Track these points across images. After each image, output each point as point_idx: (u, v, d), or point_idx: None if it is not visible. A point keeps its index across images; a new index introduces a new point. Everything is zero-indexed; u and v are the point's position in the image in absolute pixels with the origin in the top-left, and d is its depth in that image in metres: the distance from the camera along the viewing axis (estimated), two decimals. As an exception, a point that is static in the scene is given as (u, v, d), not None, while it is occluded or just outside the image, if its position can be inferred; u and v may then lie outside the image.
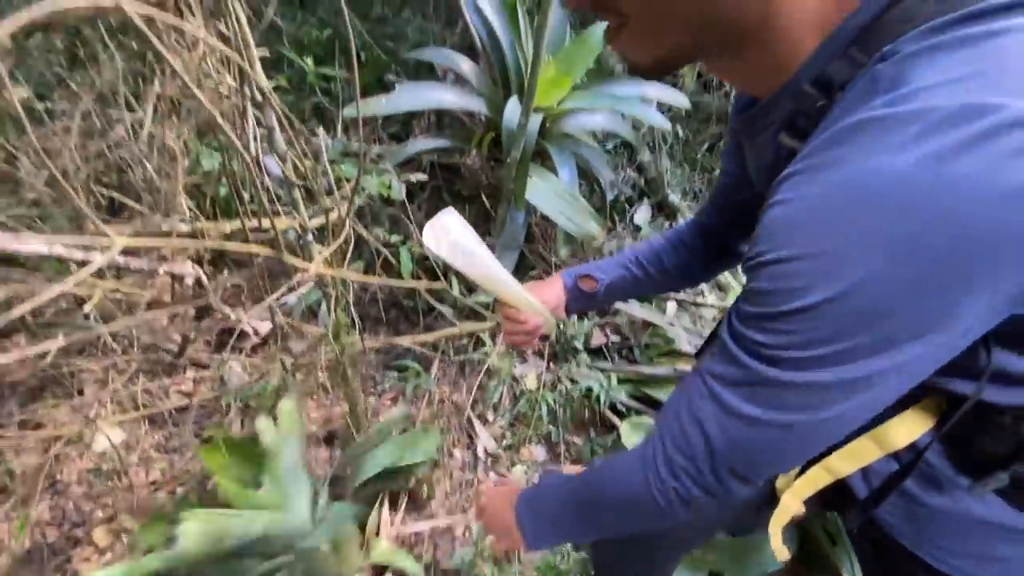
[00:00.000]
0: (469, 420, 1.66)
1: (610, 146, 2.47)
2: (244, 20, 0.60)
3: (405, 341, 1.22)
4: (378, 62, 2.19)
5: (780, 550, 0.68)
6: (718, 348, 0.45)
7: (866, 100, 0.34)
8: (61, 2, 0.40)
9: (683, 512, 0.49)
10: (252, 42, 0.61)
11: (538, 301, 0.75)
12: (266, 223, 0.76)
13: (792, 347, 0.38)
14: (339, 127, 1.85)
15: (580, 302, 0.84)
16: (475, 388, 1.69)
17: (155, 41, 0.46)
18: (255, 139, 0.70)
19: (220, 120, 0.55)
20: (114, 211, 0.85)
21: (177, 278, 0.74)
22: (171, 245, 0.55)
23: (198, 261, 0.93)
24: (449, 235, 0.63)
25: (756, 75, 0.44)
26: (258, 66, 0.63)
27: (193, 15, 0.57)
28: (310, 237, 0.82)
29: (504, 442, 1.65)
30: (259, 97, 0.66)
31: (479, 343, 1.72)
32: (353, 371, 1.00)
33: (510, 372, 1.69)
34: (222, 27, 0.63)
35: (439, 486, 1.46)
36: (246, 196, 0.76)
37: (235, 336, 1.60)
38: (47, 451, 1.02)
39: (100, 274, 0.58)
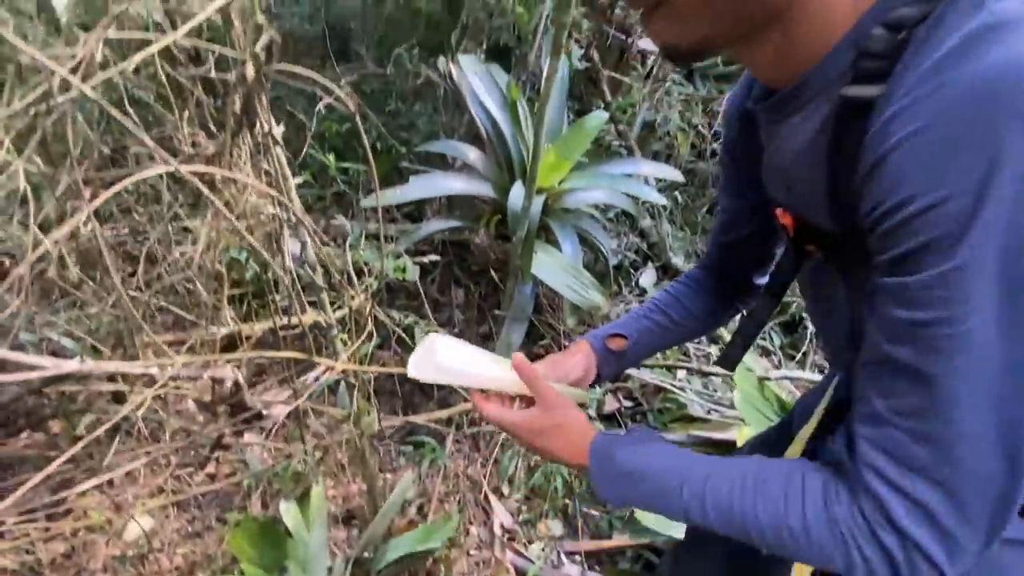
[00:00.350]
0: (485, 495, 1.67)
1: (612, 215, 2.59)
2: (284, 160, 0.72)
3: (420, 419, 1.27)
4: (393, 152, 2.39)
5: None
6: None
7: (959, 23, 0.33)
8: (145, 173, 0.50)
9: None
10: (290, 176, 0.72)
11: (558, 385, 0.67)
12: (295, 319, 0.85)
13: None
14: (360, 211, 2.00)
15: (611, 365, 0.76)
16: (490, 461, 1.70)
17: (205, 191, 0.56)
18: (287, 249, 0.80)
19: (257, 246, 0.64)
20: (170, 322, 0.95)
21: (218, 380, 0.82)
22: (218, 358, 0.63)
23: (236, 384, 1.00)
24: (434, 357, 0.62)
25: (788, 56, 0.44)
26: (294, 194, 0.74)
27: (242, 160, 0.68)
28: (335, 331, 0.90)
29: (520, 516, 1.65)
30: (294, 217, 0.76)
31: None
32: (371, 452, 1.05)
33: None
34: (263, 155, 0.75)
35: (456, 565, 1.45)
36: (278, 297, 0.86)
37: (256, 415, 1.66)
38: (75, 536, 1.06)
39: (151, 380, 0.66)
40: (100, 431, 0.72)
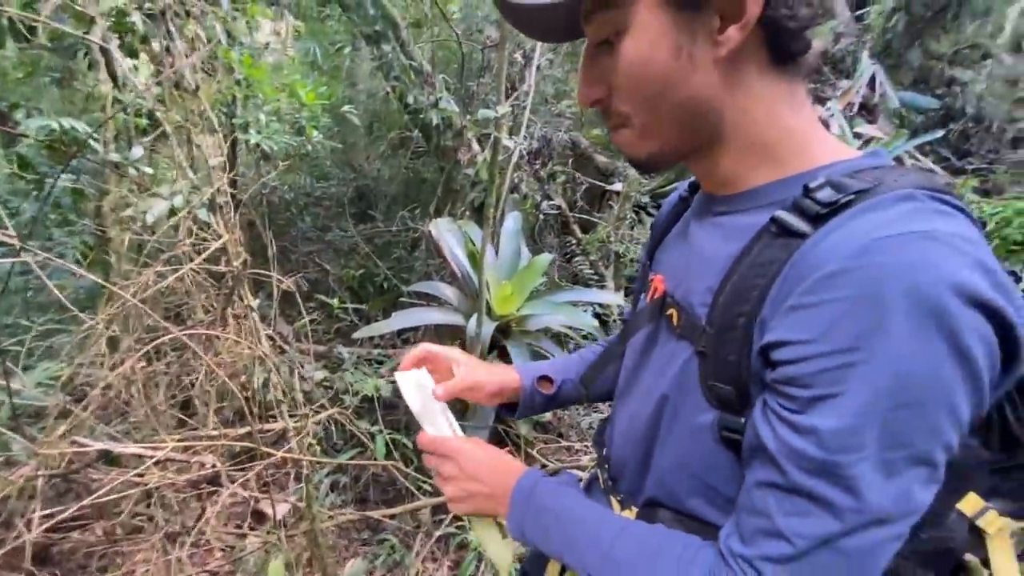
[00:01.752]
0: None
1: (585, 333, 2.94)
2: (258, 320, 1.16)
3: (376, 514, 1.55)
4: (396, 290, 2.92)
5: None
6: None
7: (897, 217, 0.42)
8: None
9: None
10: (262, 330, 1.16)
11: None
12: (271, 424, 1.23)
13: None
14: (356, 342, 2.46)
15: (528, 404, 0.80)
16: (455, 563, 1.89)
17: (206, 359, 0.99)
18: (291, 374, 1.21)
19: (234, 387, 1.05)
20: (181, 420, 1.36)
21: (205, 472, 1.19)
22: (203, 445, 1.01)
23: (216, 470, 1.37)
24: (419, 380, 0.71)
25: (732, 176, 0.54)
26: (264, 341, 1.17)
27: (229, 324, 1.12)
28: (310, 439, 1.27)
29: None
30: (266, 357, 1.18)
31: (457, 518, 1.98)
32: (322, 537, 1.34)
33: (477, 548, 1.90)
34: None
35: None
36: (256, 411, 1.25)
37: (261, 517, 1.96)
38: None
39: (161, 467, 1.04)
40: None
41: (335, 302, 2.36)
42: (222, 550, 1.82)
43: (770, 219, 0.48)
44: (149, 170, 1.86)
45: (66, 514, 0.81)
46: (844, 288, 0.40)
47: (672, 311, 0.58)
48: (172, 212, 1.28)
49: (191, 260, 1.05)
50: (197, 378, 1.14)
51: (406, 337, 2.84)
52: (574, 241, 3.32)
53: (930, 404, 0.40)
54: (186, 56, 1.35)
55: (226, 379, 0.98)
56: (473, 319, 2.10)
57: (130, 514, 1.71)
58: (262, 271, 1.09)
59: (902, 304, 0.38)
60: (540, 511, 0.60)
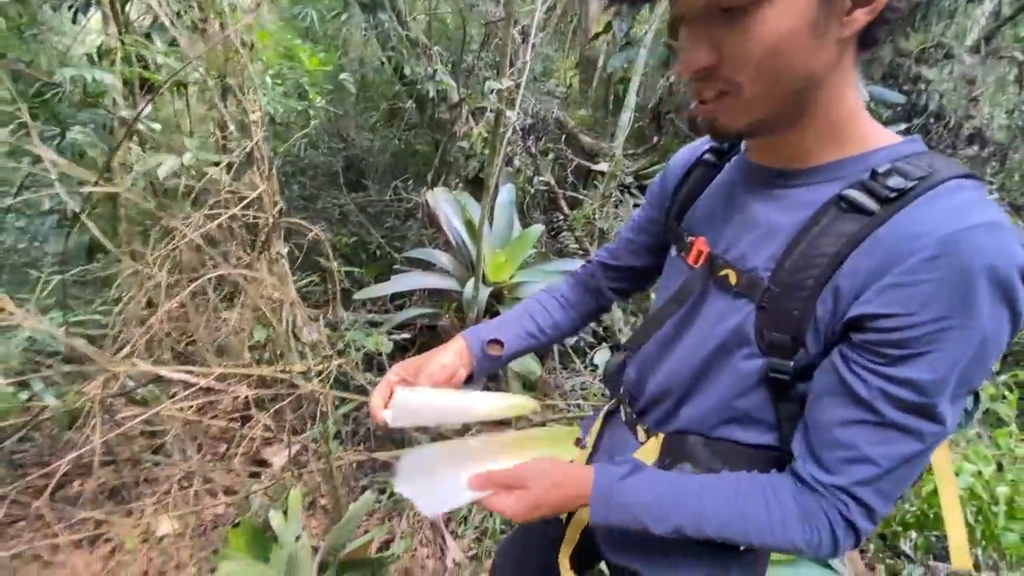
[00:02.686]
0: (442, 535, 1.99)
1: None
2: (287, 266, 1.26)
3: (382, 455, 1.68)
4: (390, 257, 3.02)
5: (568, 574, 0.86)
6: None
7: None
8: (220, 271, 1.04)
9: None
10: (290, 275, 1.26)
11: (512, 400, 0.75)
12: (291, 367, 1.34)
13: None
14: (356, 304, 2.56)
15: (484, 369, 0.83)
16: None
17: (244, 284, 1.09)
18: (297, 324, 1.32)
19: (276, 325, 1.16)
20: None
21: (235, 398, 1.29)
22: (241, 372, 1.11)
23: (248, 403, 1.47)
24: (407, 405, 0.68)
25: (806, 149, 0.58)
26: (292, 286, 1.27)
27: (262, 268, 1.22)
28: (315, 381, 1.38)
29: (470, 552, 1.95)
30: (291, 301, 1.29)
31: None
32: (337, 472, 1.47)
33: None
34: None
35: (411, 587, 1.76)
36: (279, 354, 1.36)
37: (263, 464, 2.07)
38: (130, 529, 1.47)
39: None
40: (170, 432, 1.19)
41: (335, 265, 2.44)
42: (227, 493, 1.93)
43: (838, 196, 0.55)
44: (156, 126, 1.91)
45: (125, 427, 0.91)
46: (939, 270, 0.48)
47: (727, 272, 0.63)
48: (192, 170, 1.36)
49: (227, 209, 1.14)
50: (229, 320, 1.24)
51: (400, 303, 2.95)
52: (561, 217, 3.46)
53: (991, 356, 0.51)
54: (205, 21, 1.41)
55: (266, 311, 1.09)
56: (469, 284, 2.22)
57: (144, 451, 1.81)
58: (293, 219, 1.19)
59: (985, 283, 0.47)
60: (622, 507, 0.63)
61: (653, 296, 0.93)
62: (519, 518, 0.64)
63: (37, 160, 1.54)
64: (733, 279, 0.63)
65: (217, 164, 1.80)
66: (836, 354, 0.56)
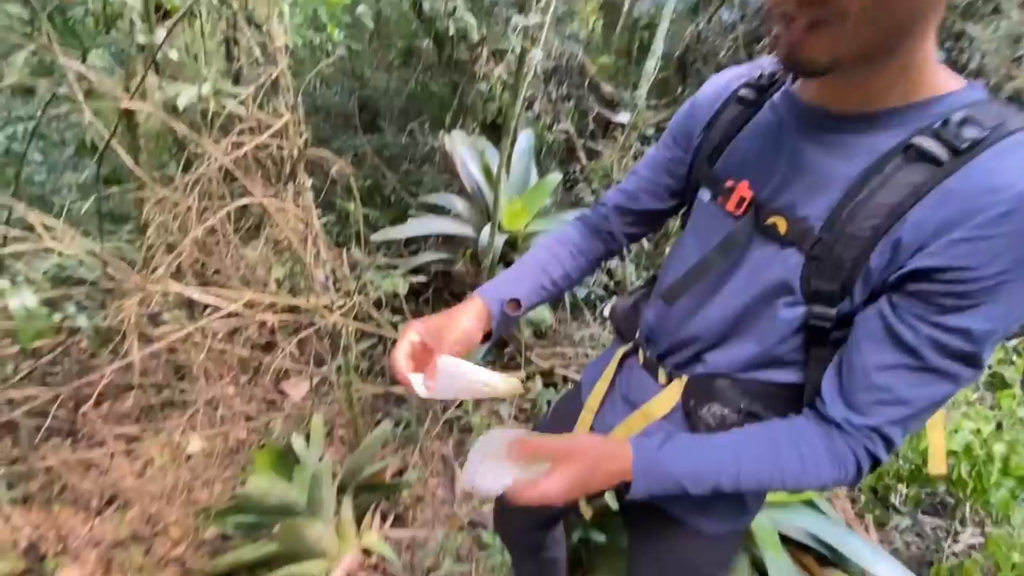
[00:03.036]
0: (452, 468, 2.09)
1: (582, 257, 3.10)
2: (311, 200, 1.27)
3: (399, 389, 1.75)
4: (405, 202, 3.00)
5: (586, 509, 0.95)
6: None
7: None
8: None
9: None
10: (314, 208, 1.27)
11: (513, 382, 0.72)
12: (311, 301, 1.38)
13: None
14: (373, 248, 2.58)
15: (504, 327, 0.81)
16: (459, 442, 2.14)
17: (272, 213, 1.11)
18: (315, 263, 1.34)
19: (301, 252, 1.18)
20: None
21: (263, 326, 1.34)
22: (269, 299, 1.15)
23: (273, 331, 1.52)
24: (441, 373, 0.66)
25: (882, 88, 0.55)
26: (316, 218, 1.28)
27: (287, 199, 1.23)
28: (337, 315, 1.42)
29: (479, 485, 2.06)
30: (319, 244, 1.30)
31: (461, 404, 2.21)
32: (357, 402, 1.53)
33: (483, 428, 2.15)
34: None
35: (422, 513, 1.87)
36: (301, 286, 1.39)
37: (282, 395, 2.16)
38: (161, 449, 1.57)
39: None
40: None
41: (351, 206, 2.44)
42: (249, 421, 2.03)
43: (906, 144, 0.53)
44: (173, 54, 1.87)
45: (158, 345, 0.95)
46: (1012, 224, 0.48)
47: (775, 220, 0.61)
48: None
49: (253, 137, 1.14)
50: (256, 249, 1.26)
51: (414, 249, 2.96)
52: (578, 168, 3.40)
53: None
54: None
55: (292, 238, 1.11)
56: (485, 231, 2.22)
57: (171, 378, 1.89)
58: (319, 150, 1.19)
59: None
60: (663, 477, 0.64)
61: (670, 245, 0.88)
62: (561, 499, 0.62)
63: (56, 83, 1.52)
64: (783, 228, 0.61)
65: (235, 96, 1.77)
66: (884, 301, 0.56)
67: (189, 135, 1.13)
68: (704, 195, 0.73)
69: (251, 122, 1.14)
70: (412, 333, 0.72)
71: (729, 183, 0.67)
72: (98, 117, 1.67)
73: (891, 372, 0.56)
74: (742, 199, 0.65)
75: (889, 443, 0.59)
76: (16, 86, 2.48)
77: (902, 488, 1.96)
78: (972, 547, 1.80)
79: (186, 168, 1.33)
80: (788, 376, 0.67)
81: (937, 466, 0.72)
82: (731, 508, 0.80)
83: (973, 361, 0.54)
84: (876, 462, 0.60)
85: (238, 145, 1.10)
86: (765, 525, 1.41)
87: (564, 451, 0.64)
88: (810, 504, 1.63)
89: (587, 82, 3.80)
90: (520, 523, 1.12)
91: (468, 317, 0.76)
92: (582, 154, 3.50)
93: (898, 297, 0.55)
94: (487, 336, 0.78)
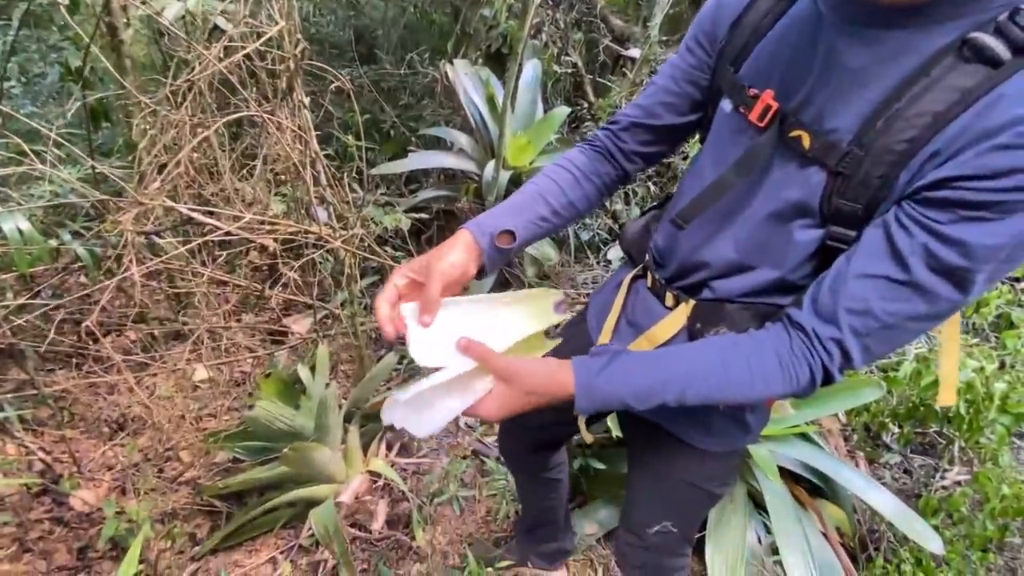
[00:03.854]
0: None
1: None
2: (309, 117, 1.20)
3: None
4: (404, 137, 2.89)
5: (586, 435, 0.92)
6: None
7: None
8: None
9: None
10: (311, 127, 1.21)
11: (512, 338, 0.69)
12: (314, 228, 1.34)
13: None
14: (372, 184, 2.51)
15: (496, 262, 0.75)
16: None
17: (270, 125, 1.05)
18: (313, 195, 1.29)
19: (307, 177, 1.13)
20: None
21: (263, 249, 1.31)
22: (270, 220, 1.11)
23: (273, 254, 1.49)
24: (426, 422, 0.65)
25: None
26: (314, 140, 1.22)
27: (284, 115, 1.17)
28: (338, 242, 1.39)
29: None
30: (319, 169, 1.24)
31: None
32: (362, 337, 1.52)
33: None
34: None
35: (426, 443, 1.92)
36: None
37: (285, 334, 2.17)
38: (169, 374, 1.58)
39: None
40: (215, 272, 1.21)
41: (350, 139, 2.35)
42: (253, 353, 2.03)
43: (962, 40, 0.46)
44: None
45: (156, 262, 0.93)
46: None
47: (799, 134, 0.56)
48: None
49: (244, 46, 1.06)
50: (253, 169, 1.21)
51: (414, 188, 2.89)
52: (585, 105, 3.26)
53: None
54: None
55: (292, 156, 1.06)
56: (489, 166, 2.15)
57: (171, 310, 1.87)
58: (317, 63, 1.11)
59: None
60: (607, 396, 0.62)
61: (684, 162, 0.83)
62: (496, 419, 0.64)
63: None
64: (807, 142, 0.56)
65: (223, 11, 1.65)
66: (892, 209, 0.52)
67: (180, 39, 1.05)
68: (726, 105, 0.66)
69: (243, 27, 1.06)
70: (397, 277, 0.69)
71: (753, 91, 0.61)
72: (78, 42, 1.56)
73: (870, 281, 0.52)
74: (767, 109, 0.59)
75: (848, 359, 0.56)
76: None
77: (893, 428, 2.01)
78: (958, 483, 1.86)
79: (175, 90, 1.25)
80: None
81: (947, 397, 0.70)
82: (732, 426, 0.80)
83: (959, 281, 0.49)
84: (828, 378, 0.57)
85: (230, 52, 1.03)
86: (764, 455, 1.44)
87: (506, 373, 0.63)
88: (804, 437, 1.67)
89: (596, 14, 3.58)
90: (523, 445, 1.14)
91: (455, 251, 0.70)
92: (589, 89, 3.34)
93: (910, 204, 0.50)
94: (481, 272, 0.74)
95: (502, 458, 1.25)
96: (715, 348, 0.62)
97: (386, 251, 2.13)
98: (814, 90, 0.56)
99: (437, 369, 0.64)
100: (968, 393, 1.47)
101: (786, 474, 1.60)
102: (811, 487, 1.68)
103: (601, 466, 1.62)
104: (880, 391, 1.60)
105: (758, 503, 1.56)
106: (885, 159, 0.50)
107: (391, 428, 0.65)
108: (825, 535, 1.53)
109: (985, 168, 0.45)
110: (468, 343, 0.64)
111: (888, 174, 0.51)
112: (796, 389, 0.58)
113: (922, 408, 1.73)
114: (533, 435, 1.11)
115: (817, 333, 0.56)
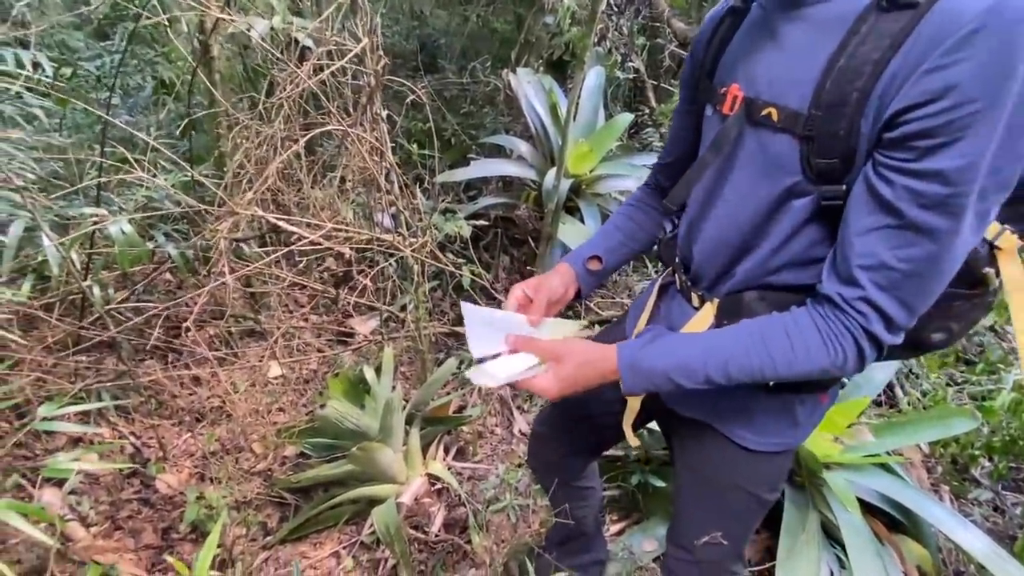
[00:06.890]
0: (510, 408, 2.14)
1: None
2: (385, 129, 1.25)
3: (460, 329, 1.77)
4: (464, 145, 2.95)
5: (631, 437, 0.94)
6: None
7: None
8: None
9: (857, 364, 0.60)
10: (388, 138, 1.25)
11: (555, 326, 0.84)
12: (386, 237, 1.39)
13: None
14: (434, 191, 2.57)
15: (589, 284, 0.92)
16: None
17: (351, 135, 1.09)
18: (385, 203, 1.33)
19: (382, 183, 1.17)
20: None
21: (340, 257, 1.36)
22: (353, 231, 1.16)
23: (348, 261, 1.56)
24: (495, 373, 0.70)
25: None
26: (389, 150, 1.27)
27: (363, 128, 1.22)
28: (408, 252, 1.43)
29: (536, 427, 2.10)
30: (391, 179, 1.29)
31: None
32: (425, 339, 1.56)
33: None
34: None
35: (481, 449, 1.94)
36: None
37: (350, 335, 2.25)
38: (245, 371, 1.67)
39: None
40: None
41: (414, 147, 2.42)
42: (321, 353, 2.12)
43: None
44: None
45: (247, 269, 1.00)
46: (978, 44, 0.46)
47: (769, 111, 0.62)
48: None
49: (332, 63, 1.11)
50: (333, 180, 1.27)
51: (473, 195, 2.93)
52: (647, 111, 3.20)
53: (1022, 134, 0.48)
54: None
55: (373, 169, 1.10)
56: (550, 174, 2.15)
57: (249, 310, 1.99)
58: (395, 78, 1.16)
59: None
60: (650, 372, 0.67)
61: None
62: (554, 394, 0.69)
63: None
64: (775, 116, 0.61)
65: (305, 29, 1.74)
66: (869, 163, 0.55)
67: (272, 57, 1.12)
68: (708, 111, 0.74)
69: (329, 46, 1.11)
70: (517, 289, 0.85)
71: (723, 89, 0.69)
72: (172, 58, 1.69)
73: (872, 235, 0.55)
74: (734, 98, 0.66)
75: (885, 317, 0.57)
76: (95, 31, 2.55)
77: (984, 462, 1.84)
78: (1062, 527, 1.68)
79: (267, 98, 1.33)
80: (818, 276, 0.65)
81: None
82: (777, 420, 0.78)
83: (951, 210, 0.51)
84: (877, 342, 0.59)
85: (318, 70, 1.08)
86: (841, 484, 1.36)
87: (555, 353, 0.71)
88: (885, 467, 1.56)
89: (660, 18, 3.52)
90: (558, 454, 1.13)
91: (557, 276, 0.89)
92: (651, 95, 3.28)
93: (879, 152, 0.54)
94: (578, 294, 0.92)
95: (530, 468, 1.26)
96: (752, 324, 0.65)
97: (448, 257, 2.18)
98: (771, 72, 0.63)
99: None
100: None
101: (863, 505, 1.49)
102: (890, 521, 1.56)
103: (660, 483, 1.58)
104: (974, 422, 1.47)
105: (831, 535, 1.47)
106: (843, 111, 0.55)
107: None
108: (905, 574, 1.42)
109: (924, 94, 0.49)
110: (516, 337, 0.75)
111: (850, 126, 0.55)
112: (846, 364, 0.60)
113: (1021, 442, 1.57)
114: (571, 440, 1.10)
115: (843, 296, 0.58)
